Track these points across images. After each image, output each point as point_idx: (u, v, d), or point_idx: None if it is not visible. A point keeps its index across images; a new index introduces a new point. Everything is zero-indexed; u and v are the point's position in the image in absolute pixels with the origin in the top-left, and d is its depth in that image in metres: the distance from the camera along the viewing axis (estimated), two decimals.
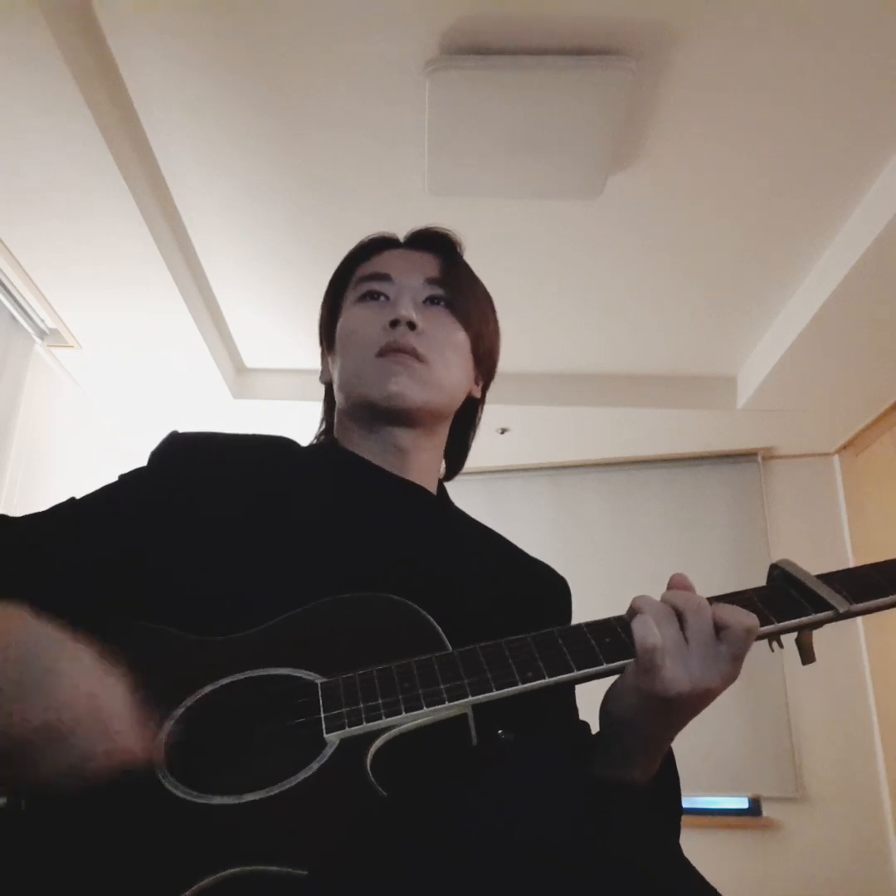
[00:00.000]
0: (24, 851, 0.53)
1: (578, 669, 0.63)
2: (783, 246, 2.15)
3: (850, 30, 1.48)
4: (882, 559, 0.72)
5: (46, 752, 0.53)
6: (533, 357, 2.77)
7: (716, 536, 3.37)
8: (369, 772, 0.57)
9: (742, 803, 3.12)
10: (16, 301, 2.28)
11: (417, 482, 0.87)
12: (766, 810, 3.07)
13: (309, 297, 2.37)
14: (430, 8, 1.47)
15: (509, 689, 0.62)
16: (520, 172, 1.82)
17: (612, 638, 0.65)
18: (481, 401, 0.98)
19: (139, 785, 0.57)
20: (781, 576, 0.71)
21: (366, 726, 0.59)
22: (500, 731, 0.66)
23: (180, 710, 0.62)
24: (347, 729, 0.59)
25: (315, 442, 0.99)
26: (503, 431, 3.15)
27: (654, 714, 0.63)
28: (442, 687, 0.61)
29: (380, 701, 0.61)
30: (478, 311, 0.92)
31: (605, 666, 0.64)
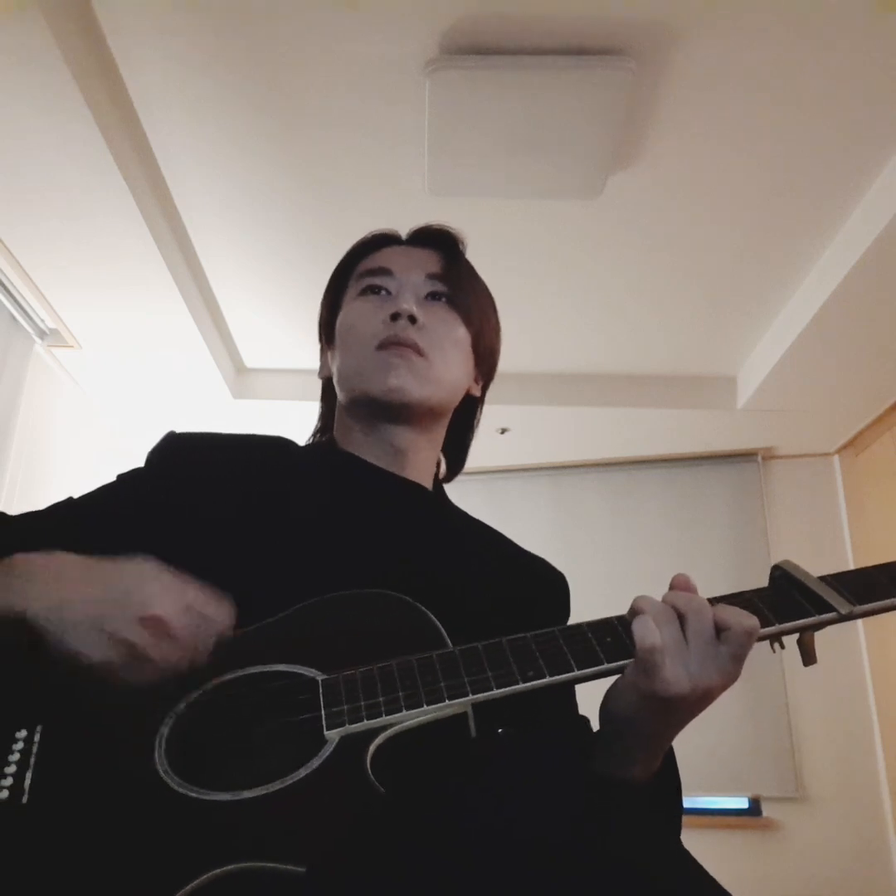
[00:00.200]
0: (24, 846, 0.54)
1: (579, 669, 0.63)
2: (783, 246, 2.15)
3: (850, 30, 1.48)
4: (882, 559, 0.72)
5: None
6: (533, 357, 2.77)
7: (716, 536, 3.37)
8: (369, 769, 0.57)
9: (742, 803, 3.12)
10: (16, 301, 2.28)
11: (415, 480, 0.87)
12: (766, 810, 3.07)
13: (309, 297, 2.36)
14: (430, 8, 1.47)
15: (510, 687, 0.62)
16: (520, 172, 1.82)
17: (613, 637, 0.65)
18: (481, 400, 0.98)
19: (140, 780, 0.57)
20: (783, 577, 0.70)
21: (366, 724, 0.59)
22: (500, 730, 0.66)
23: (181, 707, 0.62)
24: (348, 726, 0.59)
25: (312, 441, 0.99)
26: (503, 431, 3.15)
27: (655, 714, 0.63)
28: (442, 685, 0.61)
29: (380, 698, 0.61)
30: (479, 309, 0.92)
31: (605, 665, 0.64)
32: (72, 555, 0.66)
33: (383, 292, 0.89)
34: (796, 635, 0.67)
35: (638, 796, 0.65)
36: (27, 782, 0.57)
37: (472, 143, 1.72)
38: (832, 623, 0.67)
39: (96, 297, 2.25)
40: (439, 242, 0.94)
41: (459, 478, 1.00)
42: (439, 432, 0.92)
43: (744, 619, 0.63)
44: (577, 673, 0.63)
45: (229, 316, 2.58)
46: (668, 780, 0.72)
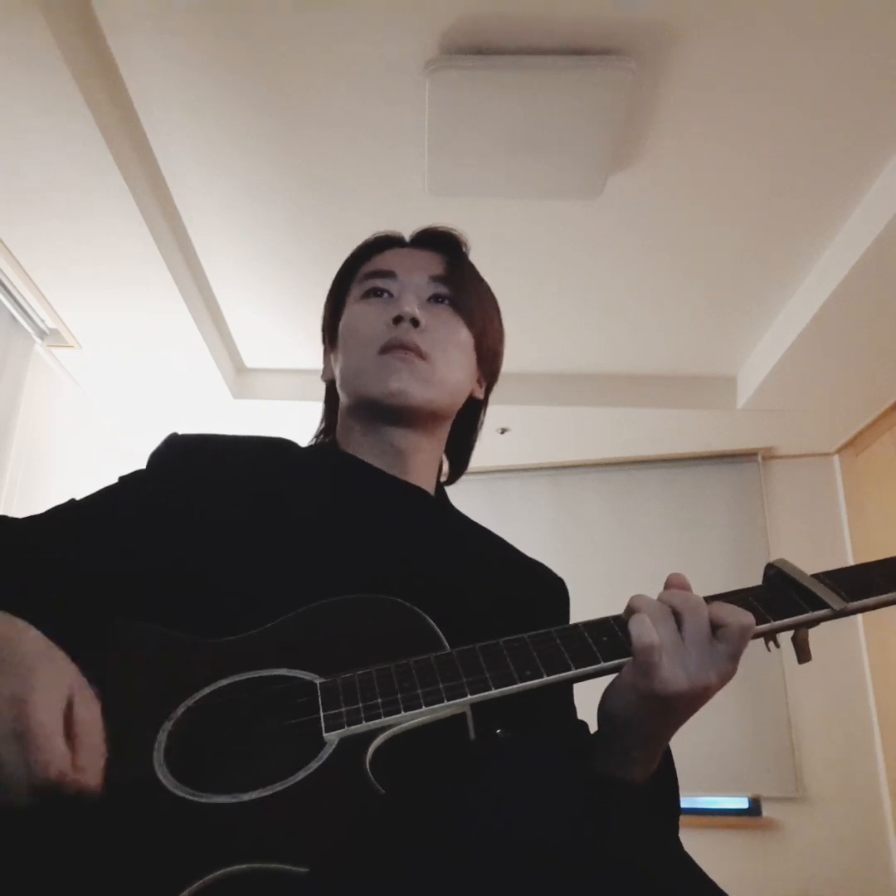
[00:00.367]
0: (23, 850, 0.53)
1: (576, 668, 0.63)
2: (783, 246, 2.15)
3: (850, 30, 1.48)
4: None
5: None
6: (533, 357, 2.77)
7: (716, 536, 3.37)
8: (368, 771, 0.57)
9: (742, 803, 3.12)
10: (16, 301, 2.28)
11: (416, 483, 0.87)
12: (766, 810, 3.07)
13: (309, 298, 2.37)
14: (430, 8, 1.47)
15: (508, 687, 0.62)
16: (520, 172, 1.82)
17: (610, 637, 0.65)
18: (484, 402, 0.98)
19: (139, 784, 0.57)
20: (777, 575, 0.71)
21: (365, 725, 0.59)
22: (498, 731, 0.66)
23: (180, 710, 0.62)
24: (346, 728, 0.59)
25: (314, 442, 0.99)
26: (503, 431, 3.15)
27: (652, 712, 0.63)
28: (440, 686, 0.61)
29: (379, 700, 0.61)
30: (482, 311, 0.92)
31: (602, 664, 0.64)
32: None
33: (386, 295, 0.88)
34: (791, 633, 0.68)
35: (637, 796, 0.65)
36: None
37: (472, 143, 1.72)
38: (826, 619, 0.67)
39: (96, 297, 2.25)
40: (442, 244, 0.94)
41: (459, 478, 1.00)
42: (441, 434, 0.92)
43: (739, 616, 0.63)
44: (574, 672, 0.63)
45: (229, 316, 2.58)
46: (667, 780, 0.72)
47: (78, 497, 0.82)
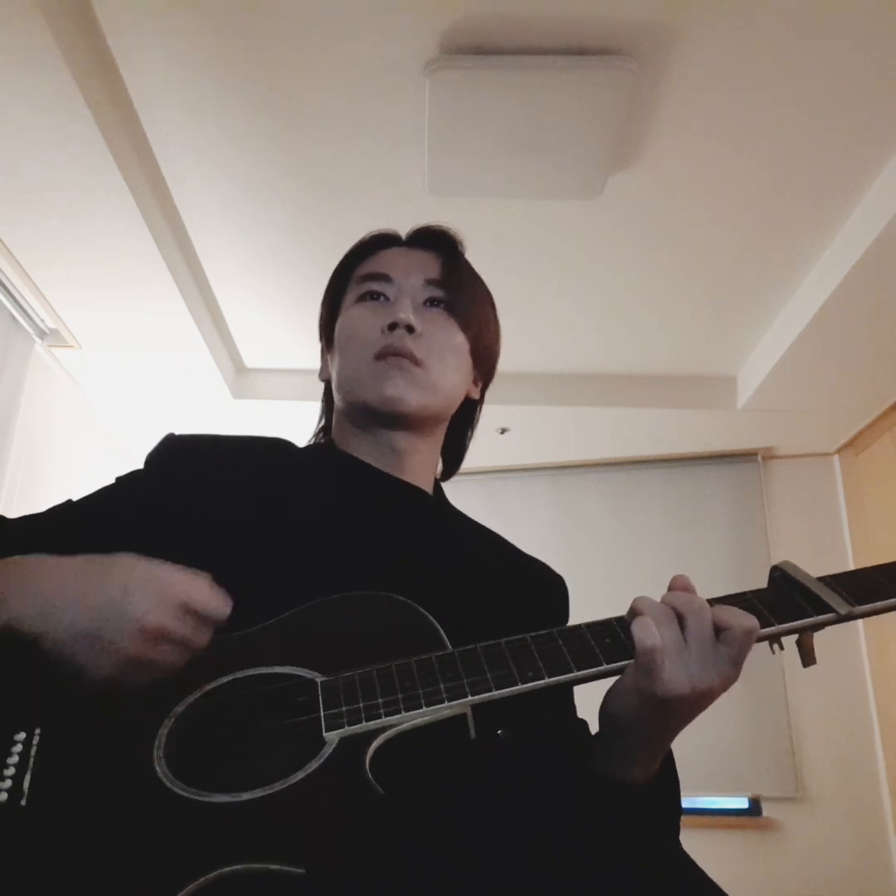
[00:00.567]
0: (24, 848, 0.53)
1: (578, 670, 0.63)
2: (783, 246, 2.15)
3: (850, 30, 1.48)
4: (882, 559, 0.72)
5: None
6: (533, 357, 2.77)
7: (716, 536, 3.37)
8: (368, 771, 0.57)
9: (742, 803, 3.11)
10: (16, 301, 2.27)
11: (414, 483, 0.87)
12: (766, 810, 3.07)
13: (309, 298, 2.36)
14: (430, 8, 1.47)
15: (509, 689, 0.62)
16: (520, 172, 1.82)
17: (612, 638, 0.65)
18: (480, 401, 0.98)
19: (138, 782, 0.57)
20: (782, 578, 0.70)
21: (365, 725, 0.59)
22: (499, 731, 0.66)
23: (181, 708, 0.62)
24: (347, 728, 0.59)
25: (313, 442, 0.99)
26: (503, 431, 3.15)
27: (654, 715, 0.63)
28: (442, 687, 0.61)
29: (379, 700, 0.61)
30: (478, 313, 0.92)
31: (604, 667, 0.64)
32: (58, 557, 0.64)
33: (382, 298, 0.88)
34: (795, 636, 0.68)
35: (637, 796, 0.65)
36: (26, 784, 0.57)
37: (472, 143, 1.72)
38: (831, 624, 0.67)
39: (96, 297, 2.25)
40: (439, 244, 0.93)
41: (459, 478, 1.00)
42: (438, 435, 0.92)
43: (743, 620, 0.63)
44: (576, 674, 0.63)
45: (229, 316, 2.58)
46: (668, 781, 0.72)
47: (75, 498, 0.82)
